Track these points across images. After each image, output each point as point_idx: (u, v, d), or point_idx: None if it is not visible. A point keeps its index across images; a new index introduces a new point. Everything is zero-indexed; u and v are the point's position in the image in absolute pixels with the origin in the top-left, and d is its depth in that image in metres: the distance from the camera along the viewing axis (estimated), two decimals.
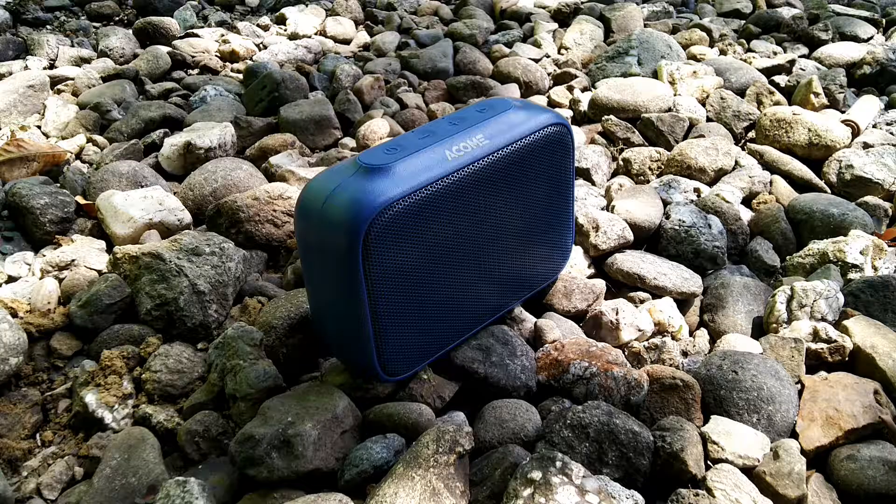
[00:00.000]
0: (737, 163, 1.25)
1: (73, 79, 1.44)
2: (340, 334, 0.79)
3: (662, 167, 1.26)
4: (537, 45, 1.65)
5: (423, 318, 0.79)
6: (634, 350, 0.90)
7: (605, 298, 0.99)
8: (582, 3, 1.90)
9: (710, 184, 1.22)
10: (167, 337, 0.91)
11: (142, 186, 1.14)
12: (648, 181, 1.24)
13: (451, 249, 0.79)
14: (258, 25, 1.73)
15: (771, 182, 1.21)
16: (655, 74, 1.52)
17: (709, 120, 1.39)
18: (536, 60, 1.58)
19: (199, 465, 0.77)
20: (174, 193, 1.16)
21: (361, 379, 0.82)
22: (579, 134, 1.36)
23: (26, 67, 1.50)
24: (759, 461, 0.75)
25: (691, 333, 0.97)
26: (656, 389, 0.83)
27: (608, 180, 1.26)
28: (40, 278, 0.98)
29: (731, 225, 1.10)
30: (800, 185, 1.22)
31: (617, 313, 0.92)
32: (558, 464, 0.69)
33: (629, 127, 1.33)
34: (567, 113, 1.43)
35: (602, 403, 0.77)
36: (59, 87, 1.44)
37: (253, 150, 1.26)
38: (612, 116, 1.35)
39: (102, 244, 1.03)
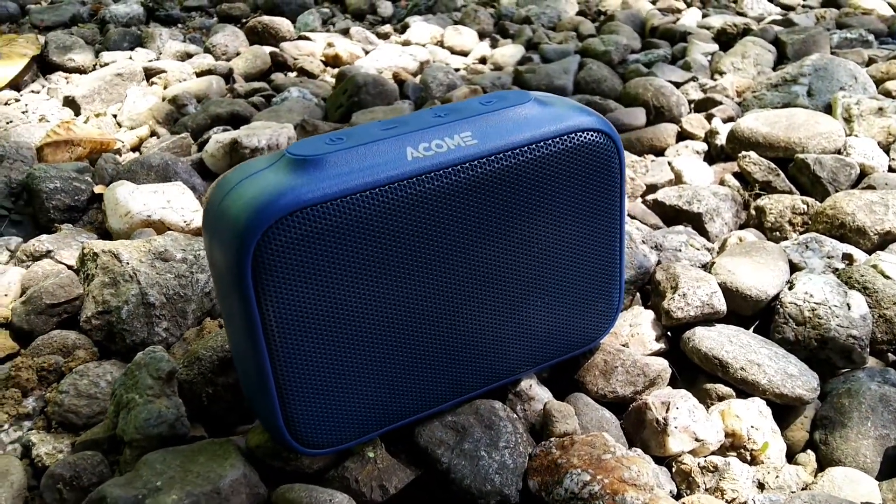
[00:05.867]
0: None
1: (165, 71, 1.38)
2: (247, 381, 0.59)
3: (809, 223, 0.94)
4: (687, 67, 1.37)
5: (362, 377, 0.57)
6: (685, 467, 0.62)
7: (672, 387, 0.71)
8: (756, 23, 1.58)
9: (871, 251, 0.88)
10: (104, 353, 0.75)
11: (169, 182, 1.02)
12: (786, 238, 0.93)
13: (413, 288, 0.56)
14: (376, 33, 1.59)
15: None
16: (829, 109, 1.18)
17: (891, 171, 1.04)
18: (678, 84, 1.30)
19: None
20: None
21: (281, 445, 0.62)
22: (707, 172, 1.07)
23: (130, 58, 1.46)
24: None
25: (792, 458, 0.66)
26: None
27: (729, 231, 0.96)
28: (16, 266, 0.87)
29: (884, 309, 0.77)
30: None
31: (667, 409, 0.64)
32: None
33: (773, 168, 1.02)
34: (701, 146, 1.14)
35: None
36: (154, 79, 1.38)
37: None
38: (751, 153, 1.05)
39: (90, 237, 0.91)
